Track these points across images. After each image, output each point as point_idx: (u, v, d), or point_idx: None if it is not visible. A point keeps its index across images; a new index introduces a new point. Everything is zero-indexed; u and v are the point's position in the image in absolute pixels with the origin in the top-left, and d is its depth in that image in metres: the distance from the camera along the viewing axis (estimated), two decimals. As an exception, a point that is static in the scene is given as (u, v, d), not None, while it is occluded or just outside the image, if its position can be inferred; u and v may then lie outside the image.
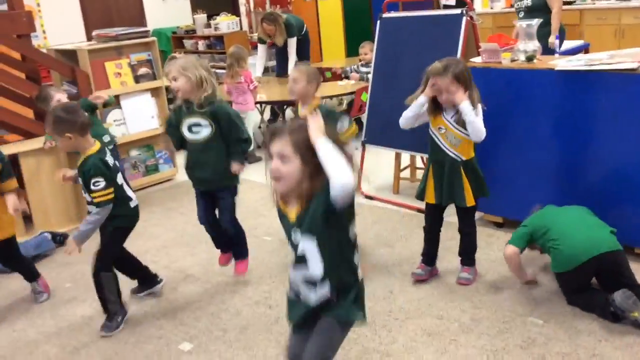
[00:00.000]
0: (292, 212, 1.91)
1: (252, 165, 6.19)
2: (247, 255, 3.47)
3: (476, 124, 2.92)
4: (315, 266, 1.88)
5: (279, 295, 3.25)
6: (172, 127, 3.19)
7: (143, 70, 5.21)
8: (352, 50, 8.72)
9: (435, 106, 3.05)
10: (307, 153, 1.79)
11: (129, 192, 3.07)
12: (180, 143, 3.21)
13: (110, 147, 4.47)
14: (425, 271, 3.27)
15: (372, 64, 4.69)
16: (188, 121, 3.12)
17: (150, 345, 2.84)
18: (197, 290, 3.41)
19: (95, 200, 2.84)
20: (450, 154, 3.06)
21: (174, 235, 4.23)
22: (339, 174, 1.70)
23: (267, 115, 7.15)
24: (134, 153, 5.25)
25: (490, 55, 3.67)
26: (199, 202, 3.33)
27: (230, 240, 3.42)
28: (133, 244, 3.40)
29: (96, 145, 2.93)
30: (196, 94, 3.04)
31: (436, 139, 3.08)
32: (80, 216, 4.56)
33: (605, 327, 2.70)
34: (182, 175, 5.54)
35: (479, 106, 2.99)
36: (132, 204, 3.06)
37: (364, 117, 4.87)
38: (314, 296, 1.92)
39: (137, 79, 5.18)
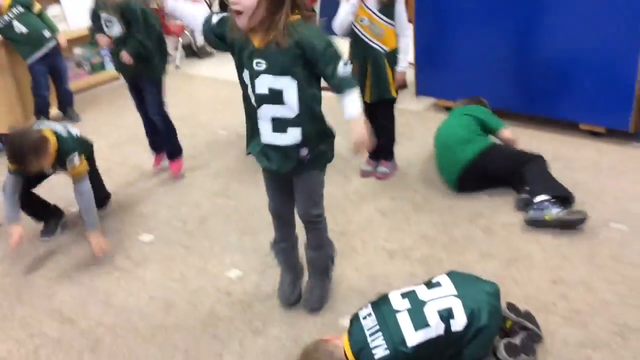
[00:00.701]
0: (257, 40, 1.84)
1: (204, 61, 6.05)
2: (181, 154, 3.48)
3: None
4: (292, 103, 1.88)
5: (237, 185, 3.30)
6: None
7: (79, -38, 4.88)
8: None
9: None
10: None
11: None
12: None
13: (52, 44, 4.29)
14: (372, 166, 3.30)
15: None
16: (103, 16, 3.17)
17: (109, 238, 2.89)
18: (154, 185, 3.43)
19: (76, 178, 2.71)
20: (375, 45, 2.97)
21: (126, 133, 4.18)
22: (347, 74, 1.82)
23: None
24: (77, 51, 5.03)
25: None
26: (132, 93, 3.37)
27: (163, 139, 3.43)
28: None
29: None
30: None
31: (358, 32, 2.97)
32: (27, 116, 4.44)
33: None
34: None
35: None
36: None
37: None
38: (284, 138, 1.94)
39: (74, -29, 4.87)
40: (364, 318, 1.83)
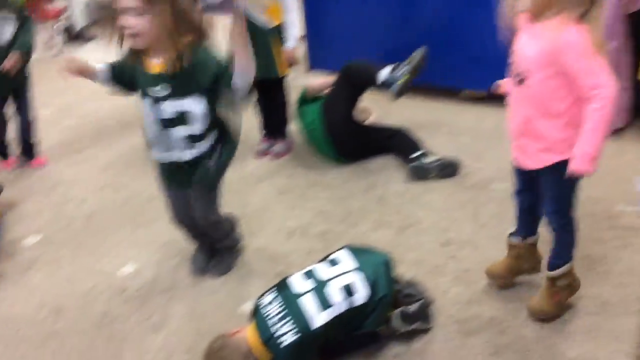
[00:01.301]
0: (157, 67, 1.86)
1: (87, 45, 5.74)
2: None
3: None
4: (200, 123, 1.93)
5: (127, 177, 3.18)
6: None
7: None
8: None
9: None
10: (162, 2, 1.73)
11: None
12: None
13: None
14: (268, 144, 3.28)
15: None
16: None
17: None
18: (33, 183, 3.23)
19: None
20: (259, 21, 2.91)
21: None
22: (247, 69, 1.84)
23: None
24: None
25: None
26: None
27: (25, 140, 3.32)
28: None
29: None
30: None
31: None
32: None
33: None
34: None
35: None
36: None
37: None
38: (192, 152, 1.99)
39: None
40: (270, 303, 1.80)
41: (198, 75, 1.85)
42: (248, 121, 3.51)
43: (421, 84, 3.69)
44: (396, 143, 2.97)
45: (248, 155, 3.27)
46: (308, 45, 4.03)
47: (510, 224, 2.05)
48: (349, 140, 3.00)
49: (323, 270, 1.86)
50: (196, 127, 1.95)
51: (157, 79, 1.88)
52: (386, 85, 2.83)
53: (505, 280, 2.08)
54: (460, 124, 3.36)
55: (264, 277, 2.26)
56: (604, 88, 1.56)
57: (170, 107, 1.91)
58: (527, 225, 2.00)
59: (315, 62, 4.05)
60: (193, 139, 1.97)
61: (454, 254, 2.33)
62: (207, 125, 1.96)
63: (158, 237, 2.62)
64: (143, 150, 3.29)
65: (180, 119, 1.92)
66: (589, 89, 1.57)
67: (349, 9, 3.70)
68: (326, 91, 3.14)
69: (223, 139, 2.06)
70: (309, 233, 2.58)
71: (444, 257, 2.32)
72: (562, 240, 1.86)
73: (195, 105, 1.91)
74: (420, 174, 2.82)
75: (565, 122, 1.67)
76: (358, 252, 1.95)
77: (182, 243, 2.46)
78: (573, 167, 1.62)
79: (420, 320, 1.93)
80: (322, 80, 3.19)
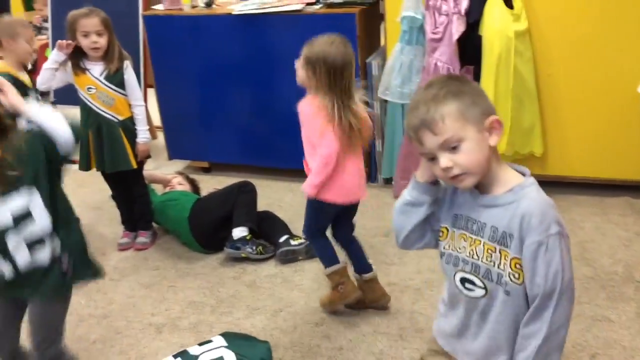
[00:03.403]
0: None
1: None
2: None
3: None
4: (44, 220, 1.68)
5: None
6: None
7: None
8: (30, 4, 7.77)
9: (78, 63, 2.80)
10: None
11: None
12: None
13: None
14: (130, 238, 3.17)
15: (50, 20, 4.33)
16: None
17: None
18: None
19: None
20: (107, 115, 2.87)
21: None
22: (62, 131, 1.65)
23: None
24: None
25: (171, 2, 3.67)
26: None
27: None
28: None
29: None
30: None
31: (87, 102, 2.85)
32: None
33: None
34: None
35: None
36: None
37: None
38: (42, 255, 1.70)
39: None
40: None
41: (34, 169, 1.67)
42: (108, 213, 3.40)
43: (273, 166, 3.79)
44: (263, 228, 3.01)
45: (110, 249, 3.13)
46: (165, 136, 4.02)
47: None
48: (215, 235, 3.01)
49: (193, 349, 1.84)
50: (42, 222, 1.70)
51: None
52: (278, 246, 2.90)
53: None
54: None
55: (132, 379, 2.13)
56: None
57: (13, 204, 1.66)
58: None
59: (174, 152, 4.04)
60: (39, 240, 1.71)
61: (327, 334, 2.36)
62: (52, 221, 1.72)
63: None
64: None
65: (24, 216, 1.67)
66: None
67: (202, 100, 3.77)
68: (172, 188, 3.28)
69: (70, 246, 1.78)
70: (179, 326, 2.49)
71: (318, 337, 2.34)
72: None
73: (34, 197, 1.68)
74: (289, 256, 2.87)
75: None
76: (234, 337, 1.94)
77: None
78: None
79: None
80: (162, 176, 3.31)
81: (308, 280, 2.73)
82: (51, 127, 1.64)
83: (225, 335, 1.94)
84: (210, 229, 3.00)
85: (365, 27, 3.39)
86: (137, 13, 4.02)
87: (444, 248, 1.38)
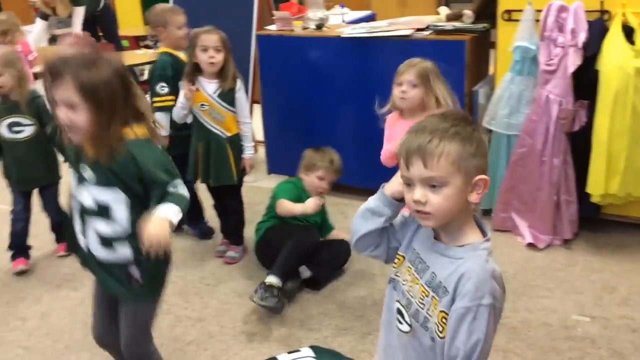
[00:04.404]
0: (90, 150, 1.68)
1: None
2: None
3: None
4: (122, 222, 1.71)
5: (82, 276, 3.10)
6: None
7: None
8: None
9: (193, 81, 2.90)
10: (99, 97, 1.56)
11: None
12: None
13: None
14: (227, 247, 3.24)
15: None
16: (7, 121, 2.93)
17: None
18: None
19: None
20: (216, 131, 2.98)
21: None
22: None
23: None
24: None
25: (284, 23, 3.80)
26: (18, 200, 3.11)
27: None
28: None
29: None
30: (20, 91, 2.90)
31: (199, 117, 2.98)
32: None
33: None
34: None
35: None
36: None
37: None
38: (110, 255, 1.74)
39: None
40: None
41: (131, 171, 1.67)
42: (210, 220, 3.55)
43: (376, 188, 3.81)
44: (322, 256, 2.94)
45: (208, 255, 3.26)
46: (266, 150, 4.14)
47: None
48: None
49: (282, 356, 1.86)
50: (117, 226, 1.72)
51: (87, 160, 1.70)
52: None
53: None
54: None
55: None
56: None
57: (91, 194, 1.71)
58: None
59: (273, 166, 4.15)
60: (112, 239, 1.73)
61: (415, 362, 2.32)
62: (133, 229, 1.69)
63: None
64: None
65: (100, 211, 1.70)
66: None
67: (307, 119, 3.86)
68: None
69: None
70: (269, 337, 2.55)
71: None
72: None
73: (117, 200, 1.69)
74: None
75: None
76: (322, 350, 1.95)
77: None
78: None
79: None
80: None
81: (398, 306, 2.71)
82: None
83: (313, 348, 1.96)
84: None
85: (474, 54, 3.35)
86: (250, 33, 4.19)
87: (394, 274, 1.40)
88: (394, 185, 1.36)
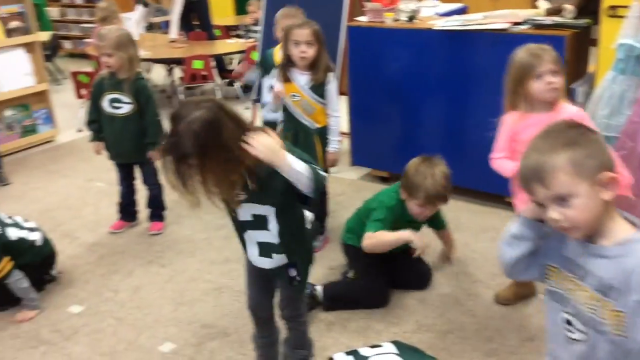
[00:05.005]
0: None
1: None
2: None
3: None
4: (275, 230, 1.90)
5: (173, 254, 3.24)
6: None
7: (15, 24, 4.84)
8: (241, 7, 8.54)
9: (285, 72, 2.94)
10: (213, 153, 1.63)
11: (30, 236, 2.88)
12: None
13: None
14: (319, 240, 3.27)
15: (261, 23, 4.68)
16: (110, 96, 3.19)
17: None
18: (84, 253, 3.31)
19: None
20: (305, 122, 3.01)
21: (57, 198, 4.05)
22: (305, 185, 1.75)
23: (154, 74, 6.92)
24: (8, 113, 4.91)
25: (374, 14, 3.78)
26: (118, 171, 3.44)
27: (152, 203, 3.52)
28: (12, 209, 3.22)
29: None
30: (127, 72, 3.13)
31: (290, 107, 3.00)
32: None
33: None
34: (64, 136, 5.30)
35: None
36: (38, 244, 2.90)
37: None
38: (269, 262, 1.96)
39: (9, 32, 4.81)
40: None
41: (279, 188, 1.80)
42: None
43: (466, 187, 3.76)
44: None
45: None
46: (351, 142, 4.15)
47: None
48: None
49: (365, 350, 1.87)
50: (273, 232, 1.91)
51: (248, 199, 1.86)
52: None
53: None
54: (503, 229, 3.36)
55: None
56: None
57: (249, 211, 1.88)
58: None
59: (357, 158, 4.15)
60: (270, 246, 1.94)
61: (497, 364, 2.28)
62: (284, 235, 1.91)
63: (199, 318, 2.64)
64: (190, 229, 3.39)
65: (262, 220, 1.89)
66: None
67: (395, 111, 3.83)
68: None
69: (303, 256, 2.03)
70: (348, 327, 2.56)
71: (488, 366, 2.27)
72: None
73: (270, 210, 1.87)
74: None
75: None
76: (405, 347, 1.94)
77: (221, 326, 2.47)
78: None
79: None
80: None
81: (481, 308, 2.66)
82: (297, 180, 1.75)
83: (396, 343, 1.95)
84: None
85: (574, 51, 3.21)
86: (340, 24, 4.20)
87: (551, 286, 1.38)
88: (531, 208, 1.36)
